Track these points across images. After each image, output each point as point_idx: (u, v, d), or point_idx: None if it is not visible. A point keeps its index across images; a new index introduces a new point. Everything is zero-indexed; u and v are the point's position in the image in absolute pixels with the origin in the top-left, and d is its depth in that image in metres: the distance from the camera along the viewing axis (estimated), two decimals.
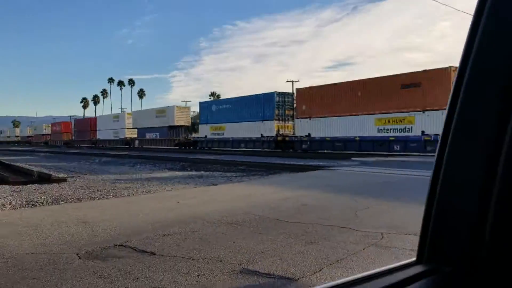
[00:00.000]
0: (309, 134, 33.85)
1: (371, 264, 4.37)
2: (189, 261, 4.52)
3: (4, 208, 9.55)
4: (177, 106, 52.62)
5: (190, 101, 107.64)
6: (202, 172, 20.89)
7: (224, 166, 23.22)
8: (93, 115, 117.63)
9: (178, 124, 50.25)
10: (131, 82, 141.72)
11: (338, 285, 0.96)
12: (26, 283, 3.80)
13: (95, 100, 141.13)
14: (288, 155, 30.60)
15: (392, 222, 6.29)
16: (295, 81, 69.37)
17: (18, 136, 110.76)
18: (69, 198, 11.20)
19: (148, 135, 54.78)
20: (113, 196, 11.42)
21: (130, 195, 11.46)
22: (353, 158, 23.99)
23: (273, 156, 30.89)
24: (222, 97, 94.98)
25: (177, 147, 47.09)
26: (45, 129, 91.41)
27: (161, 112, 52.92)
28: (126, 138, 59.45)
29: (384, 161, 21.08)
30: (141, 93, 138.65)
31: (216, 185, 13.28)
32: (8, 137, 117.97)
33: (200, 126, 46.13)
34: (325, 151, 31.71)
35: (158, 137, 52.56)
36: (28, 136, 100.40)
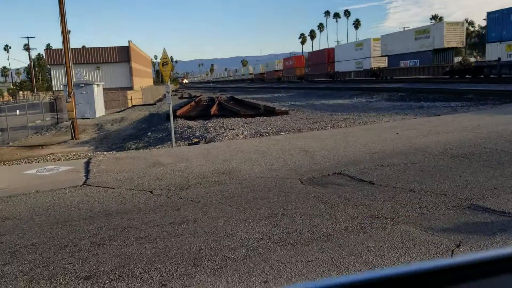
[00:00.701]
0: None
1: None
2: (410, 193, 4.34)
3: (237, 138, 10.87)
4: (447, 22, 40.45)
5: (409, 27, 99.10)
6: (422, 102, 19.67)
7: (446, 95, 21.33)
8: (310, 50, 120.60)
9: (448, 46, 38.36)
10: (347, 13, 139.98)
11: None
12: (257, 203, 4.25)
13: (312, 35, 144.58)
14: None
15: None
16: None
17: (251, 73, 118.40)
18: (291, 129, 12.01)
19: (403, 63, 43.78)
20: (330, 127, 11.75)
21: (347, 126, 11.60)
22: None
23: None
24: (446, 20, 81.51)
25: (447, 76, 36.15)
26: (277, 65, 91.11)
27: (423, 32, 41.28)
28: (373, 68, 49.81)
29: None
30: (356, 24, 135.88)
31: (438, 115, 12.32)
32: (242, 75, 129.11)
33: (487, 45, 33.15)
34: None
35: (417, 64, 41.53)
36: (261, 73, 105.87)
